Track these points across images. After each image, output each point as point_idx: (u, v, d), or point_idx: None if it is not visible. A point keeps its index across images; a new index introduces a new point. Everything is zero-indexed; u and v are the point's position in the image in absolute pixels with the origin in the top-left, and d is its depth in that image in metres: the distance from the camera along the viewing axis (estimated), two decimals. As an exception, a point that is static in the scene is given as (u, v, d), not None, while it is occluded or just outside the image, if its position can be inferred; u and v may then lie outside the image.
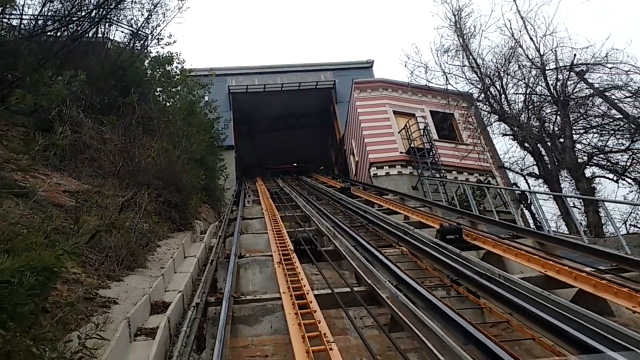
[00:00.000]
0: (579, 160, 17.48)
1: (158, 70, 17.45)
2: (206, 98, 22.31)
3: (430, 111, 25.94)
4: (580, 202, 16.78)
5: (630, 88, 16.92)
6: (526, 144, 19.76)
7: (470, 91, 22.41)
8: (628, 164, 17.11)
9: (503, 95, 20.84)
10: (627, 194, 17.86)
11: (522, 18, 19.95)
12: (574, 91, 18.53)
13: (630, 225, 17.81)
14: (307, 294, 6.47)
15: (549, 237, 9.29)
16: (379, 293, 6.49)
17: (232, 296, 6.52)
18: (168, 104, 17.54)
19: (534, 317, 5.00)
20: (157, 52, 17.60)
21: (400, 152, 24.20)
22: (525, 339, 5.04)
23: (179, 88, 17.56)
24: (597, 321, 4.86)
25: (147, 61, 17.57)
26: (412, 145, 23.73)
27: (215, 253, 9.44)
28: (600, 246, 8.39)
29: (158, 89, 17.71)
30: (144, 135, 13.21)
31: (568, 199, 17.01)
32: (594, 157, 17.85)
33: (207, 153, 16.91)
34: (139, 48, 17.03)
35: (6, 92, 6.51)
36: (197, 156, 14.51)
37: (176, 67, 17.61)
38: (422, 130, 24.06)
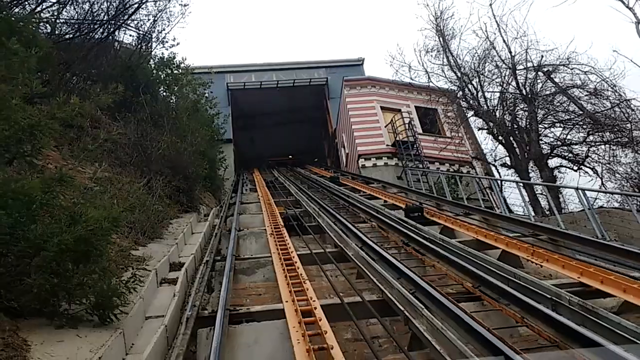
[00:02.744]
0: (544, 152, 19.41)
1: (163, 70, 19.24)
2: (206, 94, 24.10)
3: (415, 106, 27.80)
4: (543, 189, 18.71)
5: (588, 87, 18.87)
6: (500, 137, 21.67)
7: (450, 88, 24.31)
8: (586, 154, 19.09)
9: (480, 93, 22.73)
10: (588, 182, 19.82)
11: (496, 22, 21.84)
12: (541, 89, 20.45)
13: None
14: (292, 253, 8.41)
15: (491, 214, 11.27)
16: (346, 252, 8.42)
17: (233, 255, 8.45)
18: (172, 102, 19.36)
19: (450, 260, 6.98)
20: (162, 53, 19.41)
21: (387, 145, 26.05)
22: (441, 274, 7.01)
23: (184, 89, 19.33)
24: (495, 264, 6.81)
25: (152, 62, 19.36)
26: (397, 138, 25.59)
27: (218, 228, 11.37)
28: (529, 220, 10.34)
29: (163, 88, 19.54)
30: (153, 129, 15.02)
31: (535, 186, 19.03)
32: (557, 149, 19.79)
33: (208, 146, 18.69)
34: (145, 50, 18.84)
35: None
36: (201, 149, 16.31)
37: (180, 69, 19.36)
38: (407, 125, 25.91)
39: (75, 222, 5.03)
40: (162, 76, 19.15)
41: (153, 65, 18.98)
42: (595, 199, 19.23)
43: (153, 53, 19.17)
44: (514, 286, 5.81)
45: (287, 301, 5.85)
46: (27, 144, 4.86)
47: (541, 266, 7.07)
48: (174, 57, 19.50)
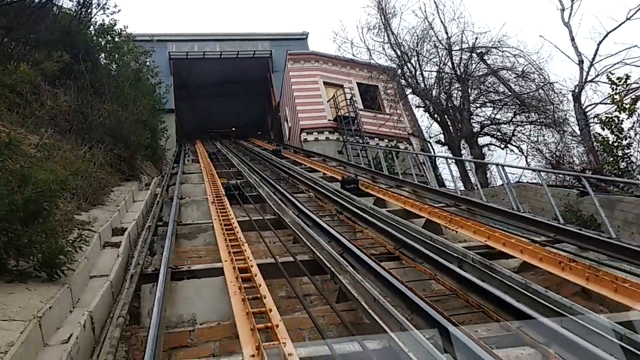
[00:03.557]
0: (474, 130, 20.60)
1: (104, 38, 18.92)
2: (148, 63, 23.77)
3: (357, 83, 28.42)
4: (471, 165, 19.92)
5: (516, 70, 20.12)
6: (435, 116, 22.73)
7: (390, 66, 25.11)
8: (512, 133, 20.44)
9: (418, 72, 23.64)
10: (514, 159, 21.24)
11: (435, 3, 22.69)
12: (474, 70, 21.57)
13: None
14: (232, 220, 8.89)
15: (420, 187, 12.16)
16: (284, 219, 8.99)
17: (175, 221, 8.85)
18: (113, 69, 19.11)
19: (377, 227, 7.71)
20: (103, 20, 19.05)
21: (329, 120, 26.65)
22: (368, 238, 7.75)
23: (125, 57, 19.11)
24: (415, 230, 7.57)
25: (92, 29, 18.97)
26: (339, 113, 26.22)
27: (160, 197, 11.66)
28: (454, 193, 11.25)
29: (103, 55, 19.23)
30: (94, 97, 14.92)
31: (466, 163, 20.20)
32: (486, 128, 21.05)
33: (150, 116, 18.66)
34: (85, 16, 18.44)
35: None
36: (142, 118, 16.34)
37: (121, 37, 19.10)
38: (348, 100, 26.55)
39: (26, 184, 5.31)
40: (102, 43, 18.83)
41: (93, 32, 18.61)
42: (521, 175, 20.65)
43: (93, 19, 18.79)
44: (429, 248, 6.57)
45: (226, 260, 6.38)
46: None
47: (456, 232, 7.93)
48: (115, 24, 19.19)
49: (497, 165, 11.79)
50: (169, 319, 5.36)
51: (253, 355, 3.78)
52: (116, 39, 18.58)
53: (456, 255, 6.18)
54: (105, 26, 18.92)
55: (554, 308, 4.38)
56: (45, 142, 11.29)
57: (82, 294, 5.58)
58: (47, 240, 5.40)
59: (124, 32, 19.09)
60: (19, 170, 5.74)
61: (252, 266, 5.96)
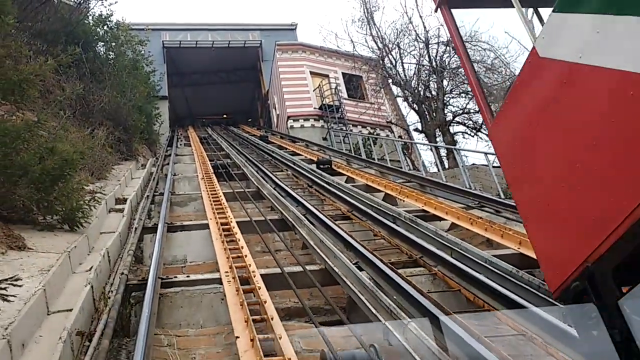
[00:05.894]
0: (447, 119, 22.18)
1: (102, 28, 20.24)
2: (143, 52, 25.05)
3: (342, 73, 29.87)
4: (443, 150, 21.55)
5: (486, 63, 21.68)
6: (414, 105, 24.27)
7: (373, 57, 26.58)
8: (482, 122, 22.01)
9: (399, 63, 25.13)
10: (485, 146, 22.83)
11: (414, -1, 24.11)
12: (449, 63, 23.11)
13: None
14: (218, 192, 10.43)
15: (384, 167, 13.76)
16: (262, 191, 10.55)
17: (170, 191, 10.39)
18: (111, 57, 20.44)
19: (337, 196, 9.31)
20: (101, 11, 20.36)
21: (314, 108, 28.10)
22: (329, 204, 9.34)
23: (122, 47, 20.45)
24: (372, 200, 9.15)
25: (91, 19, 20.27)
26: (324, 102, 27.67)
27: (155, 174, 13.17)
28: (411, 172, 12.86)
29: (102, 45, 20.56)
30: (94, 84, 16.31)
31: (440, 149, 21.78)
32: (459, 117, 22.67)
33: (145, 102, 20.08)
34: (84, 7, 19.73)
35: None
36: (139, 104, 17.77)
37: (119, 28, 20.42)
38: (333, 90, 28.02)
39: (53, 153, 6.82)
40: (100, 33, 20.13)
41: (92, 22, 19.89)
42: (493, 160, 22.11)
43: (92, 10, 20.06)
44: (375, 211, 8.17)
45: (211, 219, 7.94)
46: (17, 95, 6.56)
47: (403, 200, 9.53)
48: (112, 14, 20.47)
49: (453, 148, 13.37)
50: (166, 258, 6.92)
51: (227, 271, 5.36)
52: (114, 30, 19.86)
53: (393, 215, 7.79)
54: (103, 17, 20.23)
55: (449, 245, 5.99)
56: (51, 124, 12.76)
57: (96, 244, 7.10)
58: (68, 199, 6.91)
59: (122, 24, 20.39)
60: (45, 143, 7.26)
61: (231, 222, 7.53)
